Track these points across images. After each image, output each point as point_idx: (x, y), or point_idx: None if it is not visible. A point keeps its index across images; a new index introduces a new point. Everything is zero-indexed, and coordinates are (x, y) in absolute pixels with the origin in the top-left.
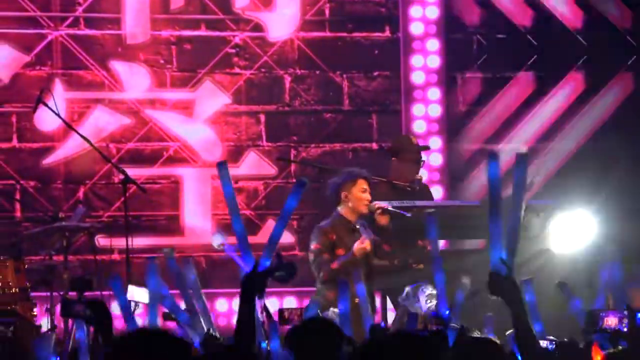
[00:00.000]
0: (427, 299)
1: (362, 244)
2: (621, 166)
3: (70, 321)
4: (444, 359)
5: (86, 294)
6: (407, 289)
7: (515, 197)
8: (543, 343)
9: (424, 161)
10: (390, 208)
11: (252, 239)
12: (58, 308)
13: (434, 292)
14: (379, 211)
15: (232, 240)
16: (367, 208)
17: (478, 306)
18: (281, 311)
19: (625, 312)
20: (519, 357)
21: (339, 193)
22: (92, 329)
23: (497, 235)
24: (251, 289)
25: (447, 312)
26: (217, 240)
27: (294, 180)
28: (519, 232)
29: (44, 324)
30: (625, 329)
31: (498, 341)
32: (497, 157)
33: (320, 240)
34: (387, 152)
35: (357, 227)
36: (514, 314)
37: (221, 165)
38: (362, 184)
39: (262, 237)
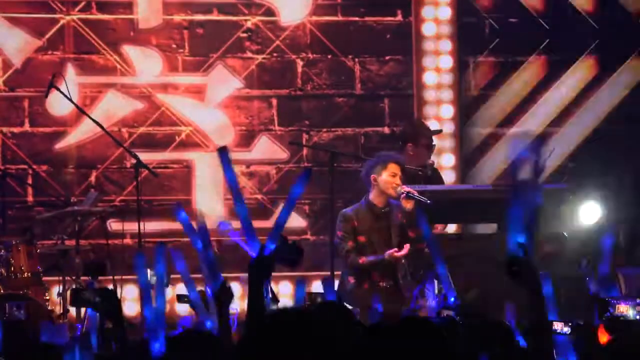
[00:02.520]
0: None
1: (396, 254)
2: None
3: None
4: (454, 344)
5: (99, 278)
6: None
7: (533, 180)
8: (558, 325)
9: (434, 145)
10: (415, 194)
11: (263, 224)
12: (69, 293)
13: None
14: (403, 195)
15: (237, 225)
16: (395, 192)
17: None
18: (310, 295)
19: (638, 300)
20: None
21: (369, 176)
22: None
23: (516, 218)
24: (259, 274)
25: (453, 298)
26: (222, 227)
27: (306, 165)
28: (538, 216)
29: (56, 308)
30: (638, 317)
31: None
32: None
33: (342, 226)
34: (401, 137)
35: (386, 211)
36: (530, 296)
37: (222, 151)
38: (393, 168)
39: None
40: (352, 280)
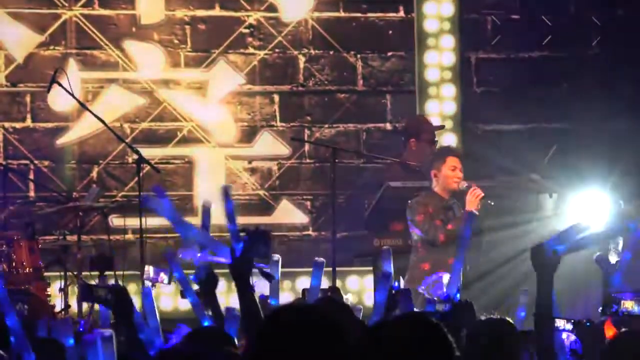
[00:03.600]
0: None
1: (472, 198)
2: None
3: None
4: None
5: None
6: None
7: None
8: (560, 322)
9: (437, 141)
10: (477, 190)
11: (266, 220)
12: (71, 288)
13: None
14: (472, 190)
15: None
16: (457, 185)
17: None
18: (304, 291)
19: None
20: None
21: (428, 170)
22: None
23: (571, 234)
24: (242, 276)
25: (457, 294)
26: (186, 255)
27: (308, 161)
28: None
29: (58, 303)
30: None
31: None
32: None
33: (422, 210)
34: (404, 132)
35: (451, 204)
36: (539, 293)
37: (147, 201)
38: (452, 162)
39: (276, 217)
40: (427, 266)
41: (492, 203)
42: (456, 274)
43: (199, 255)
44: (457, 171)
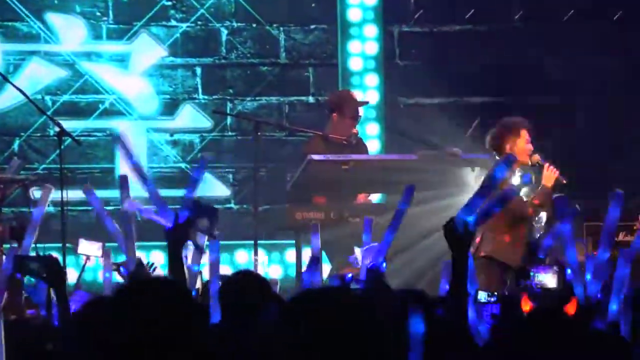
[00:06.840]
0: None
1: (550, 174)
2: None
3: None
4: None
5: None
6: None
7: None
8: (483, 295)
9: (360, 116)
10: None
11: None
12: None
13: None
14: (548, 166)
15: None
16: (529, 159)
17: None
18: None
19: (556, 269)
20: None
21: (502, 145)
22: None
23: (477, 201)
24: (176, 242)
25: (384, 264)
26: (131, 207)
27: (230, 133)
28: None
29: None
30: (555, 286)
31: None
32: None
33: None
34: (327, 106)
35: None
36: (454, 268)
37: (117, 140)
38: (525, 135)
39: (198, 190)
40: (508, 239)
41: (565, 181)
42: (385, 245)
43: (142, 209)
44: (529, 144)
